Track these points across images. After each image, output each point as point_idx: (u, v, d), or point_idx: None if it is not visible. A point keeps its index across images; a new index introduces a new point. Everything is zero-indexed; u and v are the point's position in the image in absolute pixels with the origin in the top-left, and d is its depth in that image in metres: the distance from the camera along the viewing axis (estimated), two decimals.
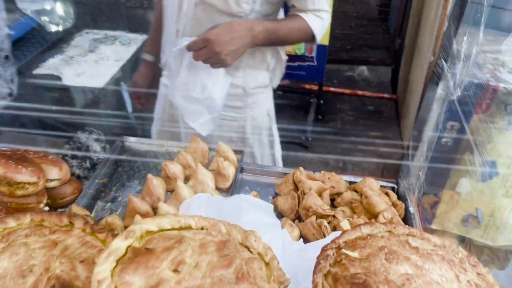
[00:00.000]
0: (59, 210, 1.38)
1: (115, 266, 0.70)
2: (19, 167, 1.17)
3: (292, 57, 3.44)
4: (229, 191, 1.52)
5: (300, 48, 3.37)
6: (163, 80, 1.95)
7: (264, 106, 1.95)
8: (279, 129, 3.50)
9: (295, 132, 3.56)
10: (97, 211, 1.40)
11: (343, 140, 3.59)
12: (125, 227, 1.32)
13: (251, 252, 0.78)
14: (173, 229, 0.81)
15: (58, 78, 3.51)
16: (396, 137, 3.65)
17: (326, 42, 3.30)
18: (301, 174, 1.44)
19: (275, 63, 1.85)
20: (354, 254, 0.70)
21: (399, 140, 3.63)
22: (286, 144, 3.47)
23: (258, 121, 1.94)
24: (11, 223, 1.02)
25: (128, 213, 1.36)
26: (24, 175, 1.17)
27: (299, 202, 1.37)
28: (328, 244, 0.75)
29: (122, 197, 1.47)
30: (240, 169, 1.59)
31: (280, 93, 4.17)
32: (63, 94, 3.16)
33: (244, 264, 0.72)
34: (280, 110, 3.88)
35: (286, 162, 3.39)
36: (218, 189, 1.51)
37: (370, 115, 3.92)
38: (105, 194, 1.48)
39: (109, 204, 1.44)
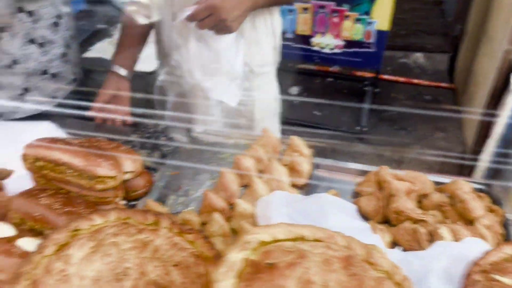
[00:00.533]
0: (131, 203, 1.35)
1: (236, 282, 0.64)
2: (99, 160, 1.13)
3: (348, 43, 3.30)
4: (304, 189, 1.44)
5: (357, 34, 3.23)
6: (166, 78, 1.89)
7: (271, 89, 1.91)
8: (332, 118, 3.40)
9: (349, 122, 3.45)
10: (170, 206, 1.36)
11: (401, 131, 3.45)
12: (202, 224, 1.28)
13: (377, 270, 0.70)
14: (286, 239, 0.74)
15: (108, 62, 3.52)
16: (456, 130, 3.47)
17: (386, 27, 3.14)
18: (386, 173, 1.35)
19: (276, 38, 1.81)
20: (509, 281, 0.61)
21: (459, 132, 3.45)
22: (339, 134, 3.36)
23: (266, 106, 1.90)
24: (97, 220, 0.99)
25: (204, 209, 1.31)
26: (104, 169, 1.13)
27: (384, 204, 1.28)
28: (472, 267, 0.66)
29: (194, 191, 1.42)
30: (315, 165, 1.51)
31: (331, 80, 4.05)
32: None
33: (376, 286, 0.65)
34: (332, 98, 3.78)
35: (339, 153, 3.30)
36: (292, 186, 1.44)
37: (427, 105, 3.74)
38: (176, 187, 1.43)
39: (181, 198, 1.39)
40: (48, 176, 1.15)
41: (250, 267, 0.67)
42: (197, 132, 1.67)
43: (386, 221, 1.27)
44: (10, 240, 0.99)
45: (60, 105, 1.86)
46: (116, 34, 4.15)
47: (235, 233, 1.28)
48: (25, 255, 0.96)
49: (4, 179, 1.41)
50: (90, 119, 1.77)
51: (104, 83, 1.83)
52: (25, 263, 0.87)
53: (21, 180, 1.42)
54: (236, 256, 0.68)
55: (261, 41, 1.75)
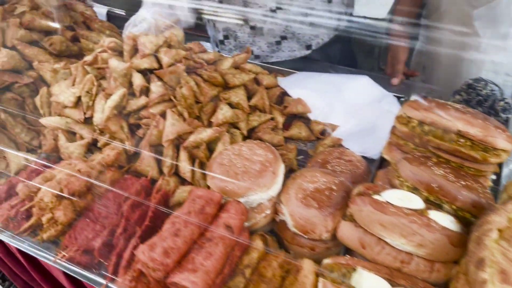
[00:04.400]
0: None
1: None
2: (498, 131, 1.01)
3: None
4: None
5: None
6: None
7: None
8: None
9: None
10: None
11: None
12: None
13: None
14: None
15: None
16: None
17: None
18: None
19: None
20: None
21: None
22: None
23: None
24: None
25: None
26: (503, 141, 1.01)
27: None
28: None
29: None
30: None
31: None
32: None
33: None
34: None
35: None
36: None
37: None
38: None
39: None
40: (430, 142, 1.06)
41: None
42: None
43: None
44: (422, 212, 0.94)
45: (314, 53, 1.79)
46: None
47: None
48: (445, 230, 0.90)
49: (328, 133, 1.40)
50: None
51: None
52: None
53: (345, 134, 1.40)
54: None
55: None
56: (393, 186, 1.05)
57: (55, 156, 1.39)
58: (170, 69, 1.29)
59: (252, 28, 1.65)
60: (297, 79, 1.52)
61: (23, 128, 1.45)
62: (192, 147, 1.22)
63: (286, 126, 1.43)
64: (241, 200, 1.03)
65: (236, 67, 1.49)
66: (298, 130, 1.40)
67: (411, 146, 1.12)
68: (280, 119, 1.41)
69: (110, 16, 2.07)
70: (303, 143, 1.41)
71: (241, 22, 1.63)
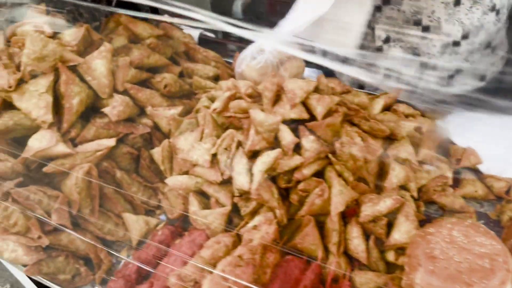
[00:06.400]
0: None
1: None
2: None
3: None
4: None
5: None
6: None
7: None
8: None
9: None
10: None
11: None
12: None
13: None
14: None
15: None
16: None
17: None
18: None
19: None
20: None
21: None
22: None
23: None
24: None
25: None
26: None
27: None
28: None
29: None
30: None
31: None
32: None
33: None
34: None
35: None
36: None
37: None
38: None
39: None
40: None
41: None
42: None
43: None
44: None
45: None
46: None
47: None
48: None
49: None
50: None
51: None
52: None
53: None
54: None
55: None
56: None
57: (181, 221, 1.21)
58: (327, 121, 1.09)
59: (424, 64, 1.41)
60: (461, 122, 1.29)
61: (140, 186, 1.27)
62: (367, 222, 1.01)
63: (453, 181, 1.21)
64: None
65: (386, 109, 1.27)
66: (473, 187, 1.17)
67: None
68: (450, 174, 1.19)
69: (202, 40, 1.87)
70: (478, 203, 1.18)
71: (410, 58, 1.39)
